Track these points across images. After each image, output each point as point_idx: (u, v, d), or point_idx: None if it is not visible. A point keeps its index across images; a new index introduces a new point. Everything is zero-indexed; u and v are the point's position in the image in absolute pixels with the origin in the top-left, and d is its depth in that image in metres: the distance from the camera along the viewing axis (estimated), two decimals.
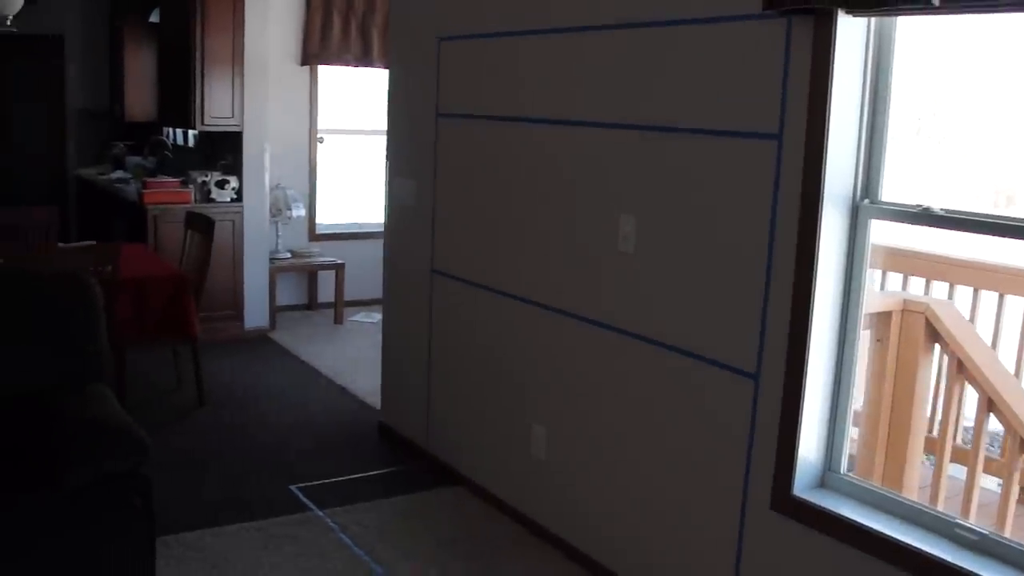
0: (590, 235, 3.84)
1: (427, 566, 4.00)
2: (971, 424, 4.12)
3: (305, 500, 4.58)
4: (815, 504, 3.00)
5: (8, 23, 5.50)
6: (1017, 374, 4.32)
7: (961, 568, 2.61)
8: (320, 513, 4.44)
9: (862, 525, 2.87)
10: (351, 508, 4.51)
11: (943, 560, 2.66)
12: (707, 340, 3.35)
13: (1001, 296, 4.42)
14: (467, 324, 4.68)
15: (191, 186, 7.30)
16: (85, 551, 3.26)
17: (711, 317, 3.34)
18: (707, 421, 3.38)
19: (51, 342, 3.74)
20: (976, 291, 4.48)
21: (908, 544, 2.74)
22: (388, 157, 5.23)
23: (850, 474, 3.12)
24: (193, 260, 6.06)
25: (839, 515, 2.93)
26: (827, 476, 3.11)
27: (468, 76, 4.56)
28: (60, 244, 6.31)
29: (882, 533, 2.81)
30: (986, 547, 2.68)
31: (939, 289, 4.57)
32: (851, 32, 2.87)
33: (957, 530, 2.75)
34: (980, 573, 2.58)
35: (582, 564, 3.99)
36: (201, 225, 6.05)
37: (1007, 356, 4.39)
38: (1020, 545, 2.64)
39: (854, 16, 2.84)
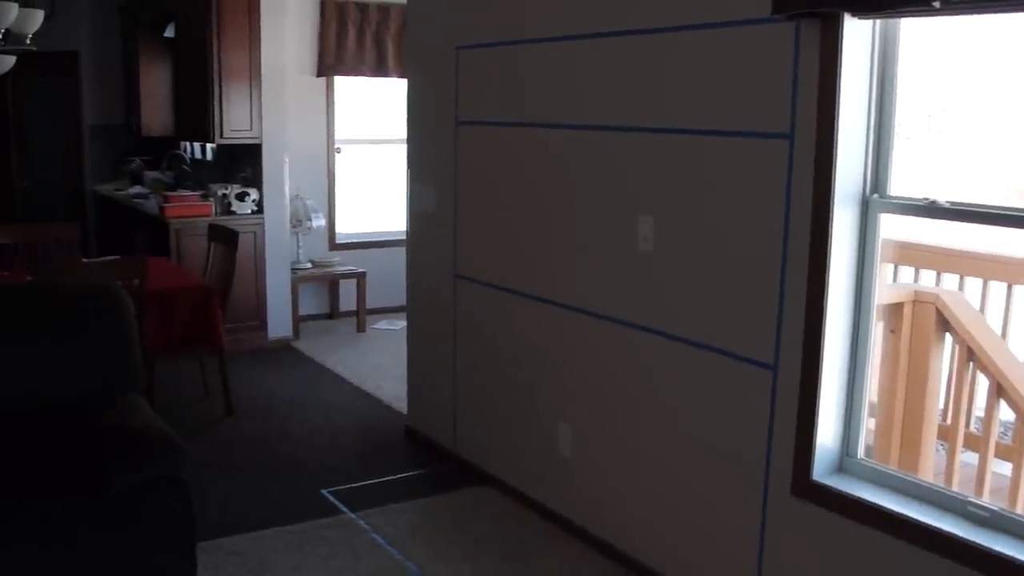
0: (610, 236, 3.96)
1: (460, 564, 4.12)
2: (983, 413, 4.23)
3: (337, 503, 4.70)
4: (834, 488, 3.13)
5: (28, 41, 5.64)
6: None
7: (974, 543, 2.73)
8: (352, 515, 4.56)
9: (879, 506, 2.99)
10: (382, 510, 4.63)
11: (957, 536, 2.78)
12: (726, 334, 3.47)
13: (1010, 287, 4.52)
14: (491, 326, 4.81)
15: (211, 199, 7.45)
16: (128, 555, 3.33)
17: (730, 312, 3.46)
18: (728, 412, 3.50)
19: (87, 354, 3.83)
20: (985, 282, 4.58)
21: (923, 522, 2.86)
22: (408, 165, 5.35)
23: (866, 458, 3.24)
24: (217, 272, 6.19)
25: (857, 497, 3.05)
26: (844, 461, 3.23)
27: (487, 83, 4.69)
28: (84, 259, 6.45)
29: (898, 513, 2.93)
30: (997, 523, 2.79)
31: (949, 281, 4.67)
32: (857, 33, 2.99)
33: (969, 508, 2.87)
34: (992, 547, 2.70)
35: (612, 557, 4.10)
36: (225, 237, 6.18)
37: (1016, 346, 4.49)
38: None
39: (859, 18, 2.96)
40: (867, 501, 3.02)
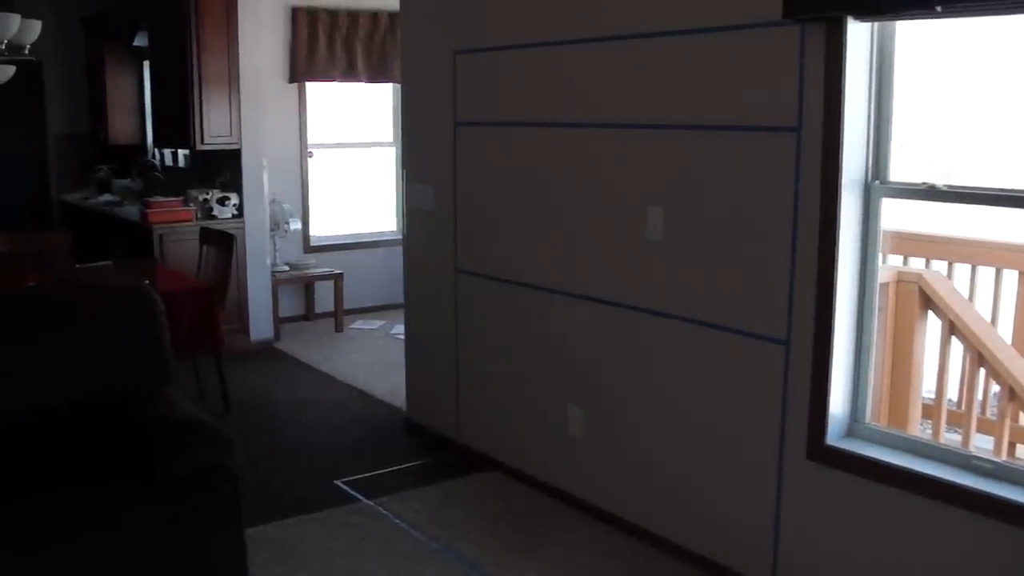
0: (619, 227, 4.21)
1: (482, 540, 4.35)
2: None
3: (353, 492, 4.89)
4: (848, 450, 3.42)
5: (26, 51, 5.73)
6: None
7: (984, 492, 3.04)
8: (370, 503, 4.76)
9: (892, 464, 3.28)
10: (397, 497, 4.83)
11: (968, 486, 3.08)
12: (739, 314, 3.74)
13: (973, 268, 4.85)
14: (496, 318, 5.03)
15: (192, 204, 7.58)
16: (186, 539, 3.53)
17: (742, 293, 3.73)
18: (742, 385, 3.77)
19: (125, 351, 4.00)
20: (951, 264, 4.90)
21: (935, 476, 3.16)
22: (404, 165, 5.56)
23: (873, 422, 3.53)
24: (212, 273, 6.35)
25: (870, 457, 3.34)
26: (853, 426, 3.52)
27: (487, 86, 4.91)
28: (77, 265, 6.56)
29: (910, 469, 3.23)
30: (1001, 474, 3.10)
31: (916, 265, 4.99)
32: (858, 35, 3.28)
33: (974, 461, 3.17)
34: (1000, 494, 3.00)
35: (626, 530, 4.34)
36: (220, 240, 6.35)
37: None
38: None
39: (861, 21, 3.25)
40: (881, 460, 3.31)
